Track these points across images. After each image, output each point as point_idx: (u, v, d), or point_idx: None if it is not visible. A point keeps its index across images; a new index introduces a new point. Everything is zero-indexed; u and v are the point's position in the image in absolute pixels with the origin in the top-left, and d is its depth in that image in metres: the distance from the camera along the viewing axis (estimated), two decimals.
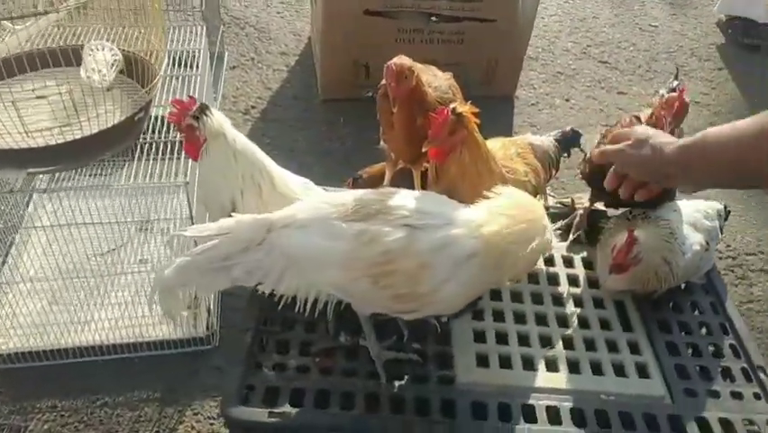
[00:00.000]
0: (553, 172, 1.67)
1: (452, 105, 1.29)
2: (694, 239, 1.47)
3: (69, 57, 1.61)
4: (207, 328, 1.77)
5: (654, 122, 1.48)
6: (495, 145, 1.44)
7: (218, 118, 1.38)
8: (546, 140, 1.67)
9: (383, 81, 1.45)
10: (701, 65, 3.50)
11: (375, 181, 1.84)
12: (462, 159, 1.29)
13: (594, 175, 1.50)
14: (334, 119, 2.77)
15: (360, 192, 1.25)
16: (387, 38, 2.74)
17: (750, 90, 3.28)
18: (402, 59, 1.43)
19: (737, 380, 1.35)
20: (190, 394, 1.67)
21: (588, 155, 1.64)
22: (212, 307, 1.76)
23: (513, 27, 2.81)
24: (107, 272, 1.92)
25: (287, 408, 1.22)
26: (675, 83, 1.57)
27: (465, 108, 1.30)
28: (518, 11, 2.77)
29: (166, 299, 1.23)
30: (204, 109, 1.37)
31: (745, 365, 1.38)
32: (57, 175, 1.91)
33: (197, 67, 1.95)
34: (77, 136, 1.38)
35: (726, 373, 1.37)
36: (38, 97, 1.37)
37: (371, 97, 3.00)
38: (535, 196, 1.48)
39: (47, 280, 1.83)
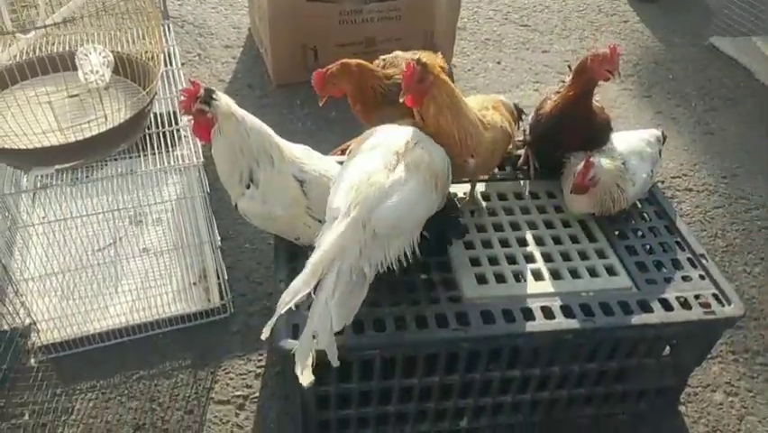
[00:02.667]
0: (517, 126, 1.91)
1: (416, 56, 1.52)
2: (641, 170, 1.76)
3: (64, 63, 1.72)
4: (222, 298, 1.93)
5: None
6: (471, 101, 1.67)
7: (225, 100, 1.53)
8: (509, 100, 1.91)
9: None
10: (609, 20, 3.86)
11: None
12: (437, 98, 1.48)
13: (537, 140, 1.84)
14: (291, 102, 2.94)
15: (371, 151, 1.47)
16: (330, 21, 2.92)
17: (655, 37, 3.66)
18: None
19: (685, 267, 1.66)
20: (218, 357, 1.84)
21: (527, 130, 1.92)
22: (222, 279, 1.92)
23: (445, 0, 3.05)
24: (113, 262, 2.03)
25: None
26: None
27: (429, 57, 1.52)
28: None
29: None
30: (210, 93, 1.50)
31: (690, 256, 1.69)
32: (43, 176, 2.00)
33: (172, 63, 2.08)
34: (95, 133, 1.51)
35: (676, 264, 1.67)
36: (70, 96, 1.50)
37: None
38: (509, 141, 1.74)
39: (56, 275, 1.94)
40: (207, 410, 1.71)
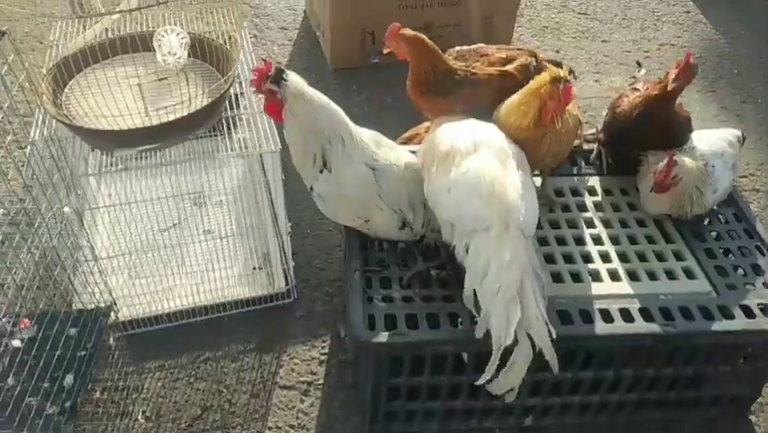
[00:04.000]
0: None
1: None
2: (723, 175, 1.70)
3: (143, 42, 1.72)
4: (287, 283, 1.94)
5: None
6: None
7: (295, 79, 1.51)
8: None
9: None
10: (671, 9, 3.75)
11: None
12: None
13: (613, 139, 1.77)
14: (348, 87, 2.92)
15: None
16: (390, 5, 2.89)
17: (717, 30, 3.55)
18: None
19: (767, 273, 1.61)
20: (283, 342, 1.85)
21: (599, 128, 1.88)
22: (288, 264, 1.93)
23: None
24: (177, 243, 2.05)
25: (404, 329, 1.42)
26: (642, 71, 1.81)
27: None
28: None
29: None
30: (281, 72, 1.49)
31: None
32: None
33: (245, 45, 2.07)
34: (177, 116, 1.52)
35: (756, 269, 1.62)
36: (159, 80, 1.50)
37: (377, 63, 3.18)
38: (579, 126, 1.72)
39: (123, 255, 1.97)
40: (273, 395, 1.73)
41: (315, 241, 2.20)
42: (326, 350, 1.85)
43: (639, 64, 1.80)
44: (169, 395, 1.71)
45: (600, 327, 1.44)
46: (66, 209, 1.44)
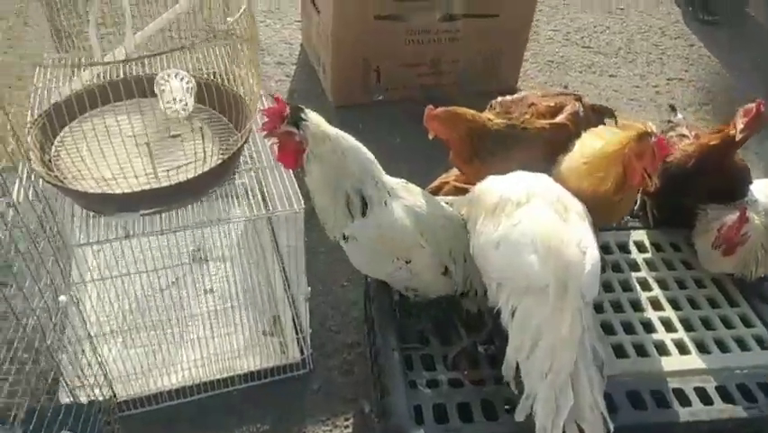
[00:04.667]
0: None
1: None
2: None
3: (141, 88, 1.53)
4: (302, 353, 1.74)
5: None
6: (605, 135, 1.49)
7: (316, 118, 1.34)
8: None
9: None
10: (674, 43, 3.67)
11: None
12: None
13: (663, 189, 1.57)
14: (353, 126, 2.72)
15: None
16: (397, 40, 2.74)
17: (724, 63, 3.47)
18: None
19: None
20: (300, 421, 1.64)
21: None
22: (303, 331, 1.73)
23: (516, 20, 2.87)
24: (174, 307, 1.84)
25: (458, 424, 1.23)
26: (679, 115, 1.70)
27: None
28: (518, 3, 2.84)
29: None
30: (299, 111, 1.31)
31: None
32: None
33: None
34: (190, 176, 1.32)
35: None
36: (172, 137, 1.31)
37: (382, 100, 3.02)
38: None
39: (115, 325, 1.75)
40: None
41: (328, 299, 2.00)
42: (350, 430, 1.64)
43: (673, 108, 1.67)
44: None
45: (677, 413, 1.27)
46: (62, 298, 1.22)
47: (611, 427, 1.13)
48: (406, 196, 1.41)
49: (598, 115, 1.70)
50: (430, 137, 1.57)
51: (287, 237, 1.61)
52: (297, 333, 1.76)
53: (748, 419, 1.27)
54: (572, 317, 1.14)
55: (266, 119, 1.31)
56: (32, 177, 1.34)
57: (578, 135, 1.49)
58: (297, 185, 1.51)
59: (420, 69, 2.84)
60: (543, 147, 1.50)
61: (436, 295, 1.42)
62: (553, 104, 1.59)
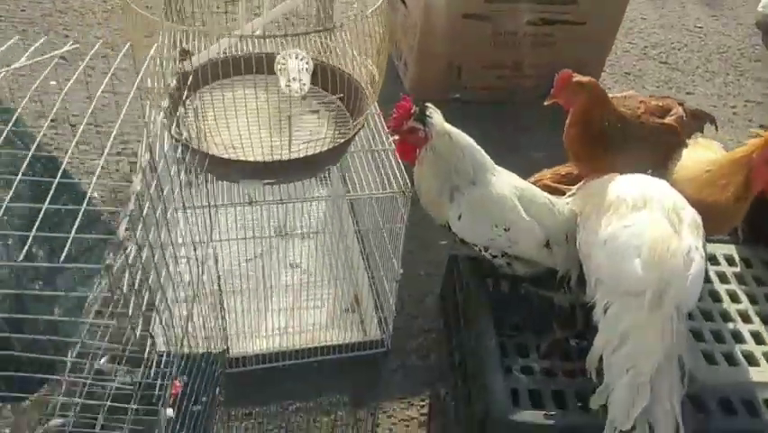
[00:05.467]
0: None
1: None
2: None
3: (260, 64, 1.60)
4: (382, 332, 1.80)
5: None
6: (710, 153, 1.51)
7: (439, 116, 1.40)
8: None
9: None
10: (753, 65, 3.64)
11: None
12: None
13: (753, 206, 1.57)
14: None
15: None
16: (482, 40, 2.79)
17: None
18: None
19: None
20: (377, 397, 1.70)
21: None
22: (388, 311, 1.79)
23: (601, 30, 2.89)
24: (259, 276, 1.91)
25: (553, 409, 1.27)
26: None
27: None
28: (606, 14, 2.85)
29: None
30: (425, 109, 1.38)
31: None
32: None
33: None
34: (309, 153, 1.39)
35: None
36: (312, 112, 1.38)
37: (458, 99, 3.06)
38: None
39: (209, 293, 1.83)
40: None
41: (406, 284, 2.04)
42: (425, 411, 1.69)
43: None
44: None
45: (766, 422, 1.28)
46: (208, 252, 1.29)
47: (682, 430, 1.15)
48: (509, 175, 1.47)
49: (698, 121, 1.70)
50: (546, 103, 1.58)
51: (383, 220, 1.67)
52: (378, 312, 1.82)
53: None
54: (663, 326, 1.17)
55: (395, 115, 1.38)
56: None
57: (683, 141, 1.50)
58: (402, 170, 1.57)
59: (502, 70, 2.88)
60: (652, 148, 1.52)
61: (533, 271, 1.46)
62: (661, 104, 1.60)
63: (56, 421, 1.01)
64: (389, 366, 1.78)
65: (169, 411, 0.98)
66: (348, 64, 1.61)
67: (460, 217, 1.42)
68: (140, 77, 0.87)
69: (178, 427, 1.04)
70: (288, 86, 1.56)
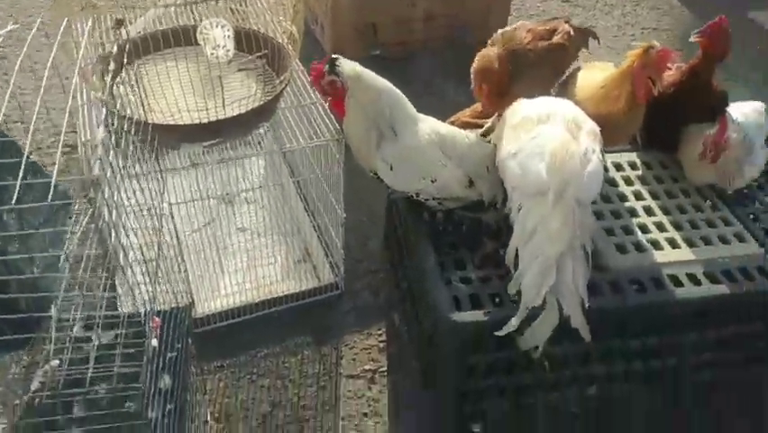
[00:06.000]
0: None
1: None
2: (762, 155, 1.77)
3: (182, 37, 1.68)
4: (335, 275, 1.93)
5: None
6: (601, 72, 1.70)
7: (348, 61, 1.52)
8: None
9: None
10: None
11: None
12: None
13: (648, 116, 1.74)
14: None
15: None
16: None
17: (694, 14, 3.70)
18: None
19: None
20: (338, 334, 1.85)
21: None
22: (338, 256, 1.92)
23: None
24: (211, 243, 2.01)
25: (491, 308, 1.44)
26: None
27: None
28: None
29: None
30: (333, 60, 1.50)
31: None
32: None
33: None
34: (242, 111, 1.49)
35: None
36: (239, 72, 1.47)
37: (379, 55, 3.19)
38: None
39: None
40: (340, 385, 1.72)
41: (349, 234, 2.18)
42: (383, 338, 1.85)
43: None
44: (234, 395, 1.69)
45: (676, 292, 1.49)
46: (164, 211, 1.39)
47: (587, 304, 1.35)
48: (430, 121, 1.61)
49: (583, 35, 1.87)
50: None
51: (321, 170, 1.80)
52: (328, 258, 1.95)
53: (730, 294, 1.50)
54: (566, 217, 1.35)
55: (312, 76, 1.50)
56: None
57: (574, 55, 1.68)
58: (333, 120, 1.69)
59: (414, 23, 3.01)
60: (546, 68, 1.69)
61: (462, 204, 1.62)
62: (548, 27, 1.77)
63: (54, 362, 1.11)
64: (345, 306, 1.93)
65: (154, 342, 1.08)
66: (266, 27, 1.71)
67: (391, 168, 1.55)
68: (82, 51, 0.96)
69: (159, 367, 1.15)
70: (214, 53, 1.65)
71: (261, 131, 1.82)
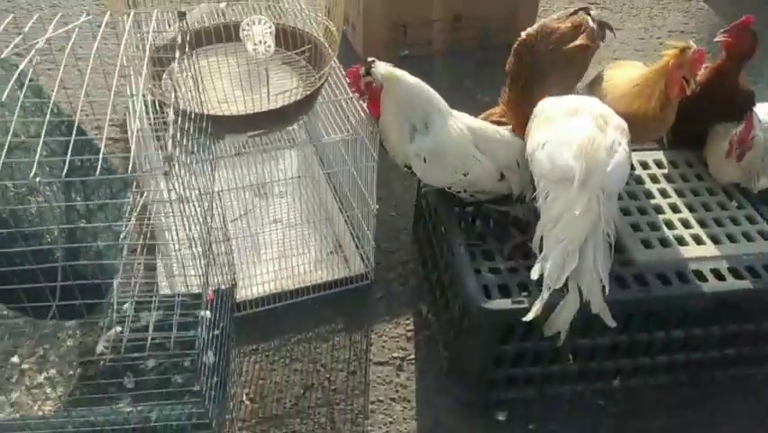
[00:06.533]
0: None
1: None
2: None
3: (228, 34, 1.76)
4: (365, 266, 1.99)
5: None
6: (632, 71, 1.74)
7: (382, 63, 1.62)
8: None
9: None
10: None
11: None
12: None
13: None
14: None
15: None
16: None
17: (721, 16, 3.71)
18: None
19: None
20: (368, 322, 1.90)
21: None
22: (369, 247, 1.98)
23: None
24: (247, 233, 2.08)
25: (519, 297, 1.49)
26: None
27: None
28: None
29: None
30: (369, 63, 1.60)
31: None
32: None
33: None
34: (285, 103, 1.57)
35: None
36: (281, 66, 1.55)
37: (408, 55, 3.24)
38: None
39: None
40: (369, 371, 1.78)
41: (381, 227, 2.24)
42: (411, 327, 1.91)
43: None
44: (269, 377, 1.75)
45: (700, 286, 1.54)
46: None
47: (607, 290, 1.40)
48: (467, 119, 1.67)
49: (603, 28, 1.89)
50: None
51: (354, 162, 1.86)
52: (359, 250, 2.02)
53: (753, 289, 1.54)
54: (589, 202, 1.41)
55: (349, 80, 1.59)
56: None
57: (594, 51, 1.73)
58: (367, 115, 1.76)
59: (443, 23, 3.07)
60: (571, 69, 1.74)
61: (492, 197, 1.68)
62: (570, 24, 1.80)
63: (117, 328, 1.19)
64: (375, 295, 1.98)
65: (207, 313, 1.16)
66: (304, 24, 1.78)
67: (425, 161, 1.62)
68: (123, 44, 1.03)
69: (207, 343, 1.22)
70: (255, 49, 1.72)
71: (296, 125, 1.88)
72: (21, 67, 0.94)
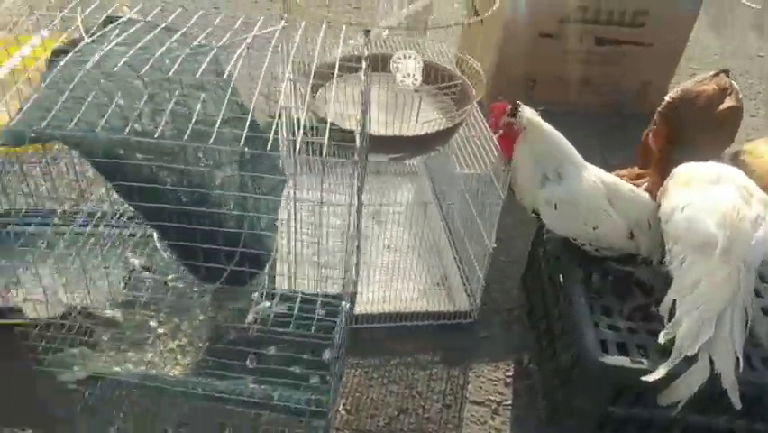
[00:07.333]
0: None
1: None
2: None
3: (375, 63, 1.87)
4: (471, 304, 2.00)
5: None
6: None
7: (529, 109, 1.68)
8: None
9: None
10: None
11: None
12: None
13: None
14: None
15: None
16: (554, 57, 3.01)
17: None
18: None
19: None
20: (468, 360, 1.90)
21: None
22: (477, 284, 2.00)
23: (668, 52, 3.08)
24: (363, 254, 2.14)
25: (638, 357, 1.46)
26: None
27: None
28: (672, 39, 3.05)
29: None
30: (516, 106, 1.66)
31: None
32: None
33: None
34: (428, 131, 1.64)
35: None
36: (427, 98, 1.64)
37: (542, 110, 3.30)
38: None
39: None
40: (464, 408, 1.77)
41: (490, 272, 2.25)
42: (510, 373, 1.89)
43: None
44: (366, 392, 1.78)
45: None
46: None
47: (741, 366, 1.33)
48: (597, 170, 1.69)
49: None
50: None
51: (477, 198, 1.90)
52: (466, 286, 2.03)
53: None
54: (731, 273, 1.37)
55: (493, 114, 1.65)
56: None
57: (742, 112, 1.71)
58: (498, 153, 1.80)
59: (571, 86, 3.10)
60: (722, 132, 1.72)
61: (617, 254, 1.67)
62: (715, 86, 1.78)
63: (264, 304, 1.26)
64: (478, 334, 1.99)
65: (348, 304, 1.22)
66: (452, 64, 1.87)
67: (555, 208, 1.64)
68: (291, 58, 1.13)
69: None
70: (403, 81, 1.81)
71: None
72: (228, 68, 1.04)
